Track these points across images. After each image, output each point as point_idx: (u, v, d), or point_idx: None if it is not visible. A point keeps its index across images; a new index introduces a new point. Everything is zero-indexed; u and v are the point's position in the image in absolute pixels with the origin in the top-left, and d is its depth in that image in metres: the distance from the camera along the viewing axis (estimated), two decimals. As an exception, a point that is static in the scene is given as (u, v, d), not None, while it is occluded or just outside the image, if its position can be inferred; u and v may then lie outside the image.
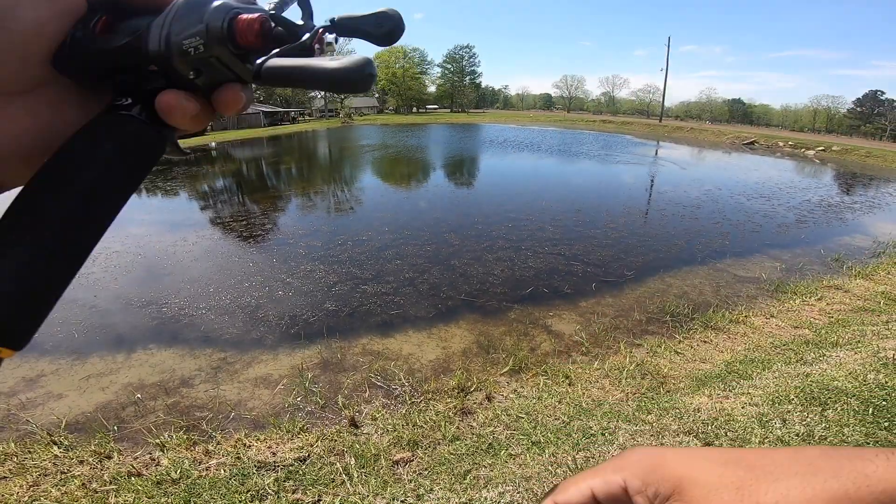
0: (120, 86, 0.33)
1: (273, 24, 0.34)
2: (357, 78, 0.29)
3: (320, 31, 0.35)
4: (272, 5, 0.37)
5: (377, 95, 79.10)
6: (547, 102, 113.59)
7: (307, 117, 59.04)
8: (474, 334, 4.99)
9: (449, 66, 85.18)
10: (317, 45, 0.34)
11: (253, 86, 0.35)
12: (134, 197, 0.36)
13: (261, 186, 15.05)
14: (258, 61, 0.32)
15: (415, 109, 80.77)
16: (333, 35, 0.36)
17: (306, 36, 0.34)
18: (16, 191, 0.31)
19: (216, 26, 0.31)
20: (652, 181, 16.65)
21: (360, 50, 0.38)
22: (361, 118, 61.81)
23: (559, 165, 20.59)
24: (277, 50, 0.33)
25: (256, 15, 0.32)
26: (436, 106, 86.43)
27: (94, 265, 6.76)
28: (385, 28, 0.37)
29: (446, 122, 55.30)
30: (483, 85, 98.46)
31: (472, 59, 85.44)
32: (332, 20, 0.38)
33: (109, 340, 4.81)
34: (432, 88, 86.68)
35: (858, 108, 69.97)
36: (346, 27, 0.38)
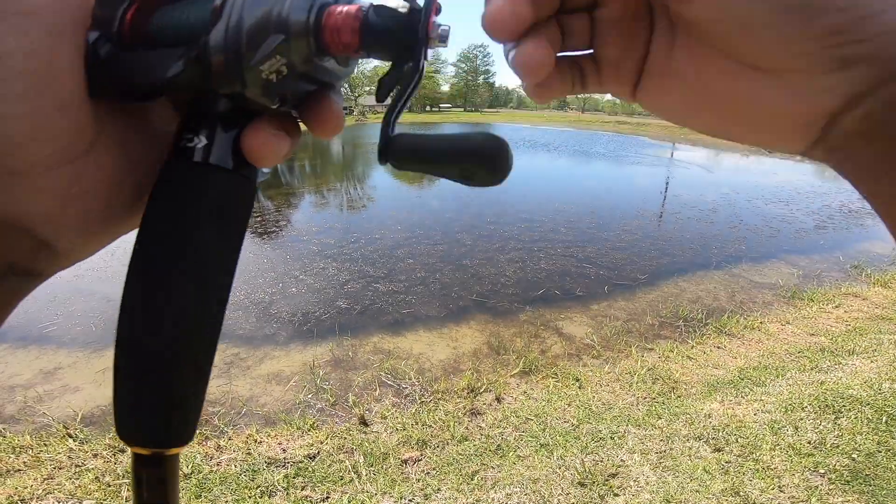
0: (183, 111, 0.27)
1: (374, 14, 0.25)
2: (497, 156, 0.25)
3: (433, 5, 0.25)
4: None
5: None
6: (561, 103, 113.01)
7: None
8: (485, 335, 4.99)
9: (463, 65, 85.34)
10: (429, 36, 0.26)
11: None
12: None
13: (275, 183, 15.17)
14: (391, 135, 0.27)
15: (428, 108, 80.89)
16: (447, 26, 0.27)
17: (398, 26, 0.25)
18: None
19: (300, 28, 0.23)
20: (667, 184, 16.50)
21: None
22: (375, 116, 62.02)
23: (573, 167, 20.49)
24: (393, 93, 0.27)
25: (354, 7, 0.25)
26: (449, 105, 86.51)
27: (113, 258, 6.85)
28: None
29: (459, 122, 55.30)
30: (497, 84, 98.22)
31: (486, 59, 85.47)
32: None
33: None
34: (446, 87, 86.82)
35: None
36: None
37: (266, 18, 0.22)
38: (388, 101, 0.28)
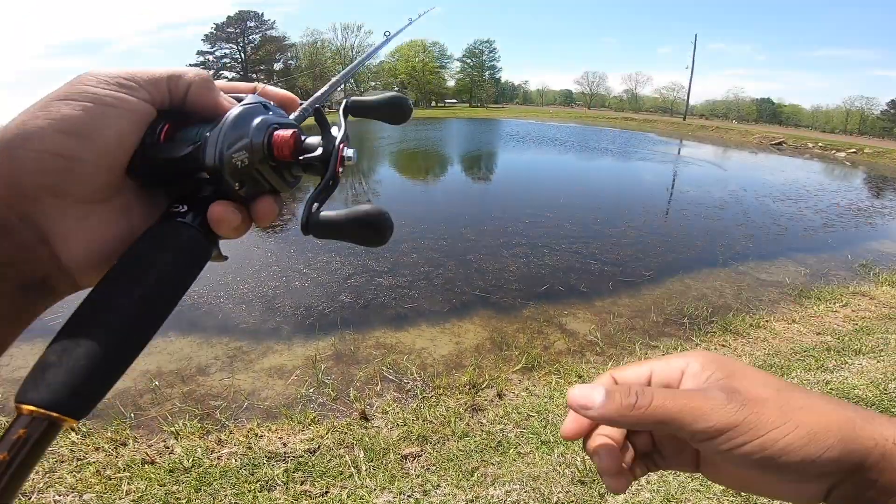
0: (175, 191, 0.38)
1: (303, 138, 0.40)
2: (378, 231, 0.40)
3: (341, 146, 0.41)
4: (294, 116, 0.44)
5: (396, 89, 79.14)
6: (567, 99, 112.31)
7: (326, 110, 59.39)
8: (488, 330, 4.97)
9: (468, 60, 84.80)
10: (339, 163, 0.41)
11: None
12: None
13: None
14: (312, 211, 0.39)
15: (434, 103, 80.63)
16: (352, 152, 0.42)
17: (319, 151, 0.40)
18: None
19: (258, 141, 0.37)
20: (673, 180, 16.39)
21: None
22: (381, 112, 61.75)
23: (579, 162, 20.41)
24: (318, 190, 0.40)
25: (291, 132, 0.38)
26: (455, 100, 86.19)
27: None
28: (394, 111, 0.48)
29: (465, 117, 55.12)
30: (502, 80, 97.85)
31: (491, 54, 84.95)
32: (346, 102, 0.45)
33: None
34: (451, 83, 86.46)
35: (892, 111, 67.81)
36: (359, 109, 0.46)
37: (239, 132, 0.36)
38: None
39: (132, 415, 3.47)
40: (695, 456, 0.41)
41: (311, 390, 3.81)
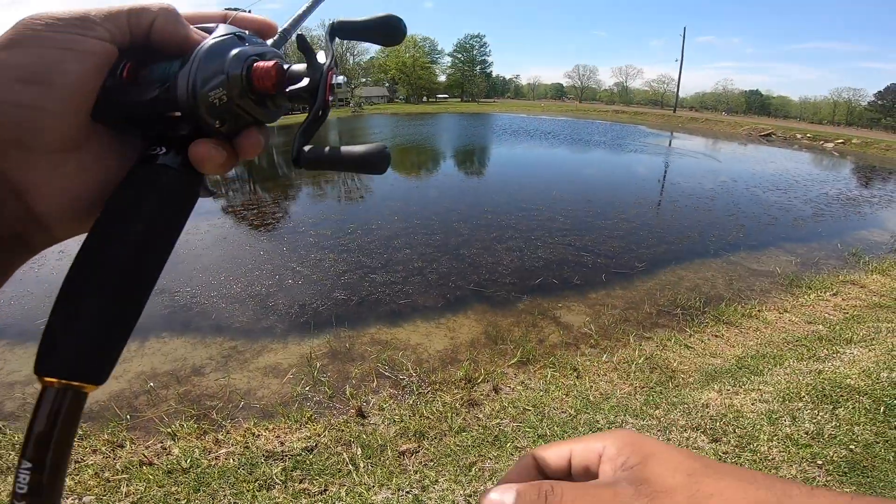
0: (153, 134, 0.36)
1: (287, 65, 0.38)
2: (377, 160, 0.37)
3: (329, 73, 0.38)
4: (272, 41, 0.42)
5: (387, 84, 78.84)
6: (559, 92, 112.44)
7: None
8: (482, 325, 4.98)
9: (459, 55, 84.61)
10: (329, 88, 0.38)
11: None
12: None
13: (272, 175, 15.10)
14: (304, 148, 0.37)
15: (425, 99, 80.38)
16: (342, 79, 0.38)
17: (306, 81, 0.37)
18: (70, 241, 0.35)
19: (236, 75, 0.35)
20: (665, 172, 16.46)
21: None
22: (372, 107, 61.59)
23: (571, 155, 20.42)
24: (305, 124, 0.37)
25: (272, 63, 0.36)
26: (446, 95, 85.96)
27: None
28: (387, 31, 0.41)
29: (457, 112, 55.00)
30: (494, 74, 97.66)
31: (482, 49, 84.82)
32: (333, 23, 0.41)
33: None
34: (442, 78, 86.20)
35: (879, 102, 68.34)
36: (348, 31, 0.42)
37: (213, 67, 0.34)
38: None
39: (128, 416, 3.45)
40: None
41: (307, 388, 3.81)
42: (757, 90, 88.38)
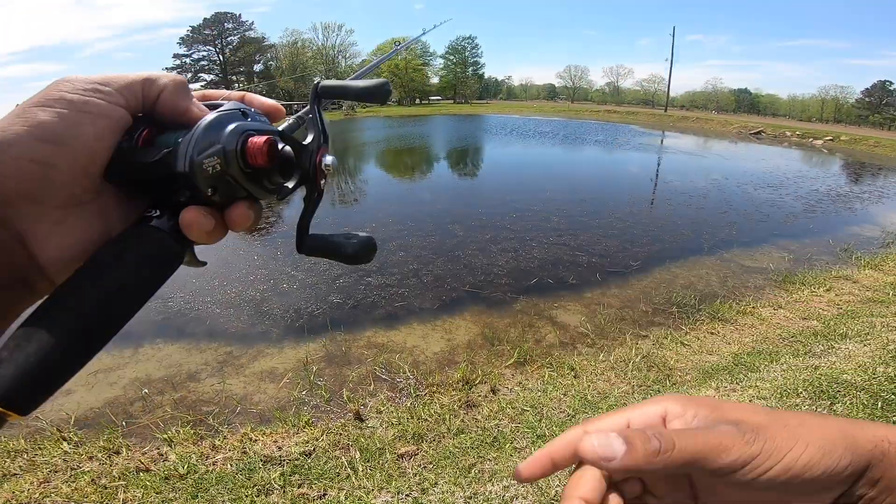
0: (153, 196, 0.38)
1: (281, 145, 0.41)
2: (364, 253, 0.42)
3: (320, 150, 0.42)
4: (286, 125, 0.44)
5: (380, 86, 78.50)
6: (551, 93, 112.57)
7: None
8: (479, 326, 4.98)
9: (451, 57, 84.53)
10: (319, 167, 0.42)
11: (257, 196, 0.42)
12: None
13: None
14: (304, 232, 0.42)
15: (418, 101, 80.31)
16: (331, 159, 0.42)
17: (296, 175, 0.42)
18: None
19: (231, 148, 0.37)
20: (657, 171, 16.54)
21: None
22: (364, 110, 61.46)
23: (564, 155, 20.49)
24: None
25: (264, 139, 0.38)
26: (439, 97, 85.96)
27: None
28: (374, 94, 0.43)
29: (450, 114, 55.08)
30: (486, 76, 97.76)
31: (474, 50, 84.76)
32: (317, 86, 0.43)
33: (117, 335, 4.81)
34: (435, 80, 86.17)
35: (867, 99, 68.94)
36: (332, 92, 0.44)
37: (211, 138, 0.36)
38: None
39: (124, 423, 3.42)
40: (692, 488, 0.39)
41: (304, 393, 3.79)
42: (746, 89, 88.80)
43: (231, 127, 0.37)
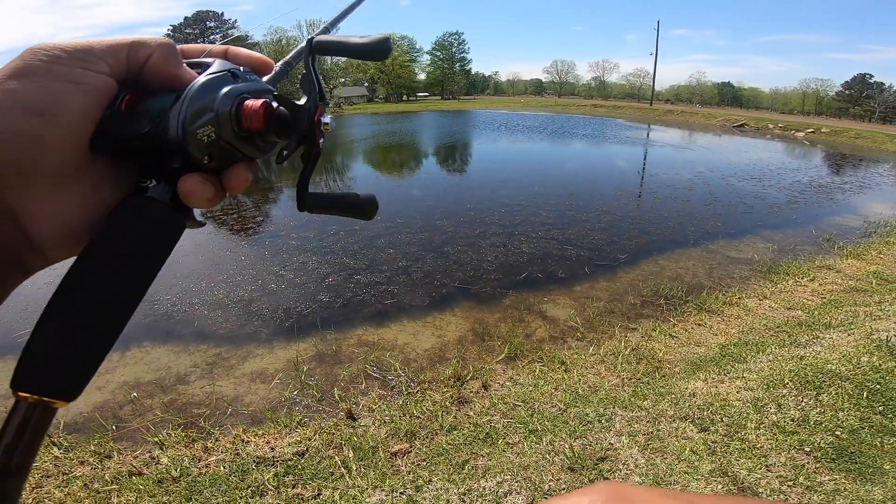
0: (142, 164, 0.36)
1: (276, 105, 0.39)
2: (367, 207, 0.44)
3: (318, 108, 0.40)
4: (273, 74, 0.43)
5: (367, 84, 78.32)
6: (538, 88, 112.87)
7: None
8: (469, 322, 4.99)
9: (438, 53, 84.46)
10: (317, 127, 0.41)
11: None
12: None
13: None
14: (307, 193, 0.42)
15: (405, 97, 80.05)
16: (329, 118, 0.41)
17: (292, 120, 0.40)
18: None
19: (225, 113, 0.35)
20: (644, 164, 16.65)
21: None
22: (352, 108, 61.17)
23: (551, 150, 20.54)
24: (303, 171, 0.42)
25: (260, 102, 0.37)
26: (426, 94, 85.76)
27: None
28: (374, 50, 0.41)
29: (437, 110, 54.93)
30: (473, 71, 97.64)
31: (461, 46, 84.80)
32: (310, 42, 0.42)
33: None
34: (422, 76, 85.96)
35: (847, 91, 70.06)
36: (327, 49, 0.42)
37: (203, 105, 0.35)
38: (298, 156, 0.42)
39: (114, 427, 3.38)
40: None
41: (295, 393, 3.78)
42: (729, 82, 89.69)
43: (224, 90, 0.36)
